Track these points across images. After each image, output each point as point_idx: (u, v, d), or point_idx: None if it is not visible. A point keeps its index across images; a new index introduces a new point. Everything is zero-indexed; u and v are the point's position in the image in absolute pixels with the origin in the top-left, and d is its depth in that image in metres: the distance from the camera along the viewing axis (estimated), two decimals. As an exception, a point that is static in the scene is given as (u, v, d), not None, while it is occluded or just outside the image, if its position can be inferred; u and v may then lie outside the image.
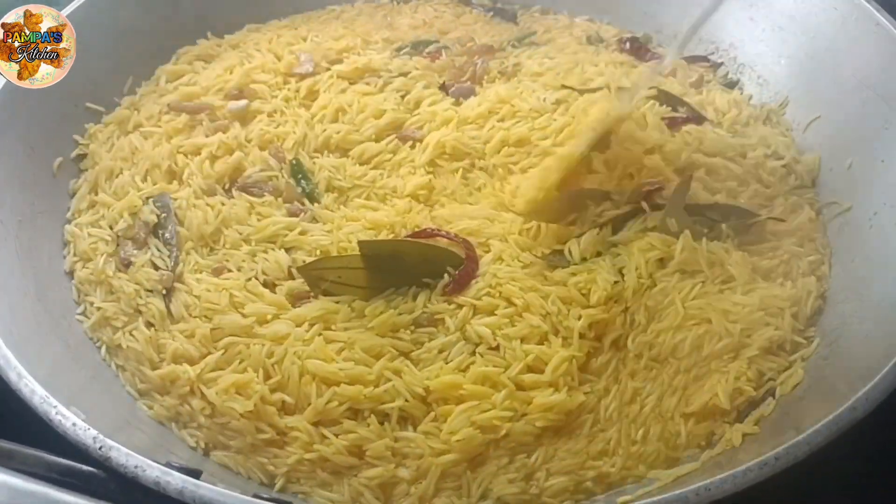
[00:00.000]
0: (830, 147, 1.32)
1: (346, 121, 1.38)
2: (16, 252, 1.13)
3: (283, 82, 1.46)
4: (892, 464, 1.07)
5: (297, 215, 1.25)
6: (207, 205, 1.24)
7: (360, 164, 1.33)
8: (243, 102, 1.39)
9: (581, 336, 1.07)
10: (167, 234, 1.21)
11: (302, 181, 1.30)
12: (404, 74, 1.46)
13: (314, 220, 1.24)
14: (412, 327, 1.09)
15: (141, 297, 1.15)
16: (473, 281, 1.12)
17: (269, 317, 1.10)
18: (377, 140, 1.36)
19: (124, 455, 0.83)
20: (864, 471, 1.05)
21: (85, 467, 0.85)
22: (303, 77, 1.46)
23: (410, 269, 1.12)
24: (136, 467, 0.82)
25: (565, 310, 1.09)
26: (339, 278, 1.12)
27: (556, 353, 1.05)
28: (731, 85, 1.53)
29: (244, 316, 1.10)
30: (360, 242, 1.13)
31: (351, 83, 1.45)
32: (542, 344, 1.07)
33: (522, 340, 1.06)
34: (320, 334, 1.08)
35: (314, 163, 1.32)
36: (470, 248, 1.17)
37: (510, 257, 1.16)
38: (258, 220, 1.23)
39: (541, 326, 1.07)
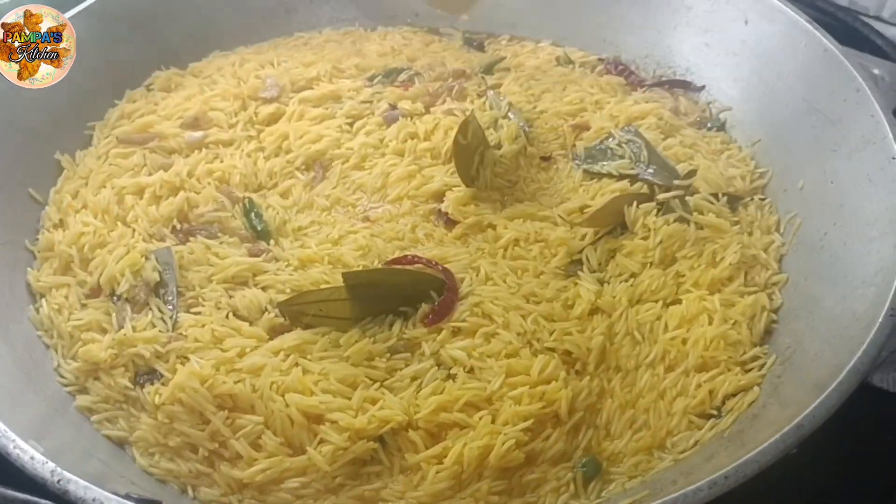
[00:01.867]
0: (784, 168, 1.36)
1: (285, 148, 1.38)
2: (-24, 284, 1.13)
3: (241, 107, 1.44)
4: (852, 471, 1.13)
5: (258, 255, 1.21)
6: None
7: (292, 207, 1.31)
8: (200, 133, 1.37)
9: (551, 350, 1.08)
10: (168, 294, 1.14)
11: (255, 221, 1.26)
12: (368, 102, 1.47)
13: (275, 259, 1.21)
14: (388, 355, 1.08)
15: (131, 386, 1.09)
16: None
17: (247, 349, 1.07)
18: (307, 168, 1.36)
19: (82, 488, 0.83)
20: (828, 477, 1.10)
21: (43, 501, 0.85)
22: (266, 101, 1.45)
23: (395, 295, 1.12)
24: (94, 500, 0.82)
25: (542, 326, 1.10)
26: (320, 311, 1.10)
27: (531, 361, 1.05)
28: (688, 109, 1.56)
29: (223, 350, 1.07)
30: (344, 274, 1.11)
31: (314, 107, 1.45)
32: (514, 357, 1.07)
33: (496, 358, 1.06)
34: (297, 364, 1.05)
35: (265, 200, 1.30)
36: (450, 276, 1.15)
37: (499, 277, 1.17)
38: (219, 259, 1.19)
39: (513, 343, 1.07)
